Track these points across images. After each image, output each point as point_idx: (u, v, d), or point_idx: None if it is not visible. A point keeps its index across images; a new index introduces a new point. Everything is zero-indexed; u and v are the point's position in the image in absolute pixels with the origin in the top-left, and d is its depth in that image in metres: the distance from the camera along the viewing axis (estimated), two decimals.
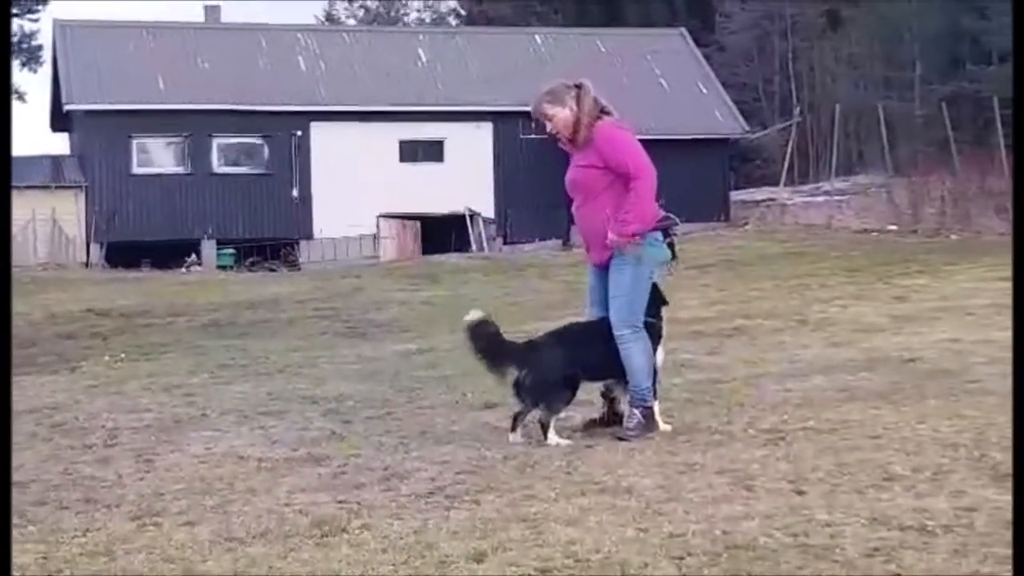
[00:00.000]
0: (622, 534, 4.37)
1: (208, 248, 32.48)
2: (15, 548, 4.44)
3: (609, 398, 6.38)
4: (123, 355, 11.38)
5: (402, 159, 33.64)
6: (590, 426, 6.33)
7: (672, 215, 6.31)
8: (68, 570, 4.31)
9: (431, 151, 33.95)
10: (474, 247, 32.33)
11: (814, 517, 4.46)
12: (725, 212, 34.53)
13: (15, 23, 41.36)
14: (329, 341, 12.06)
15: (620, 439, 6.03)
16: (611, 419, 6.35)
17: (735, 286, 15.82)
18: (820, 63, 44.37)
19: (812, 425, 6.19)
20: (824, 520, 4.41)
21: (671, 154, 33.46)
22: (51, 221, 32.32)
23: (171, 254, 30.24)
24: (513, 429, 6.17)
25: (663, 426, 6.20)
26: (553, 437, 6.04)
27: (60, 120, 36.24)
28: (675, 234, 6.35)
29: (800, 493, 4.83)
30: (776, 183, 36.83)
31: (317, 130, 33.42)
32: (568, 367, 6.15)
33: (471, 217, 33.22)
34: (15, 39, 41.66)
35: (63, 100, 33.33)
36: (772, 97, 46.00)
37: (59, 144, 40.58)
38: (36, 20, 41.25)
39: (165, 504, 5.11)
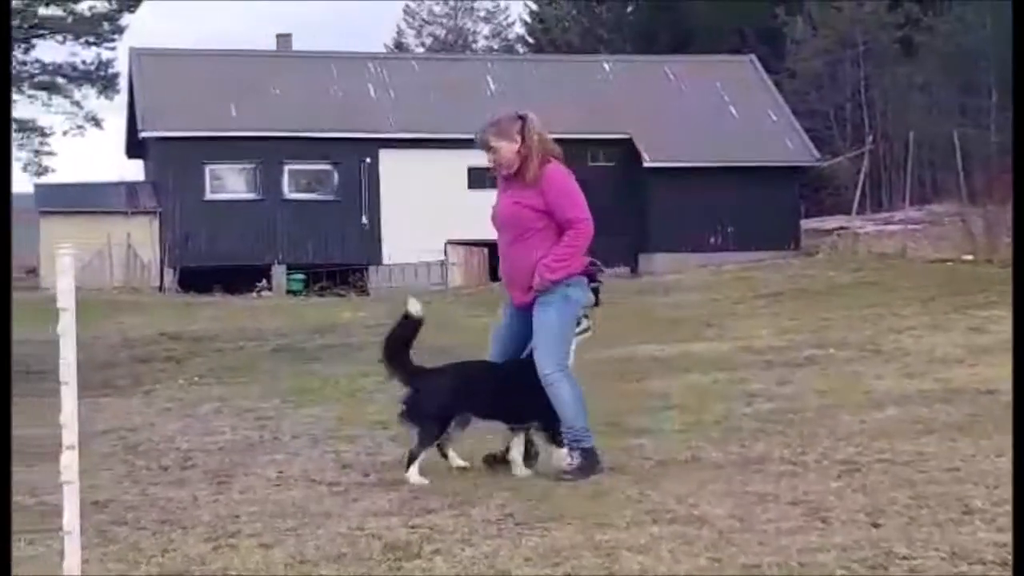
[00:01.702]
0: (695, 564, 4.33)
1: (278, 273, 32.87)
2: (96, 567, 4.51)
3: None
4: (196, 378, 11.54)
5: (470, 186, 33.78)
6: (489, 461, 6.17)
7: (597, 262, 6.20)
8: None
9: None
10: None
11: (892, 550, 4.38)
12: (796, 240, 34.29)
13: (93, 52, 42.52)
14: None
15: (559, 479, 5.83)
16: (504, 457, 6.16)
17: (806, 315, 15.65)
18: (893, 90, 43.95)
19: (888, 457, 6.11)
20: (903, 553, 4.34)
21: (741, 182, 33.49)
22: (126, 246, 32.94)
23: (242, 279, 30.63)
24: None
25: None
26: (414, 473, 5.90)
27: (135, 147, 36.97)
28: (600, 280, 6.24)
29: (877, 525, 4.75)
30: (848, 211, 36.48)
31: (386, 157, 33.75)
32: (449, 405, 6.01)
33: None
34: (92, 67, 42.80)
35: (138, 127, 34.02)
36: (844, 124, 45.63)
37: (134, 170, 41.48)
38: (113, 48, 42.41)
39: (240, 526, 5.16)
